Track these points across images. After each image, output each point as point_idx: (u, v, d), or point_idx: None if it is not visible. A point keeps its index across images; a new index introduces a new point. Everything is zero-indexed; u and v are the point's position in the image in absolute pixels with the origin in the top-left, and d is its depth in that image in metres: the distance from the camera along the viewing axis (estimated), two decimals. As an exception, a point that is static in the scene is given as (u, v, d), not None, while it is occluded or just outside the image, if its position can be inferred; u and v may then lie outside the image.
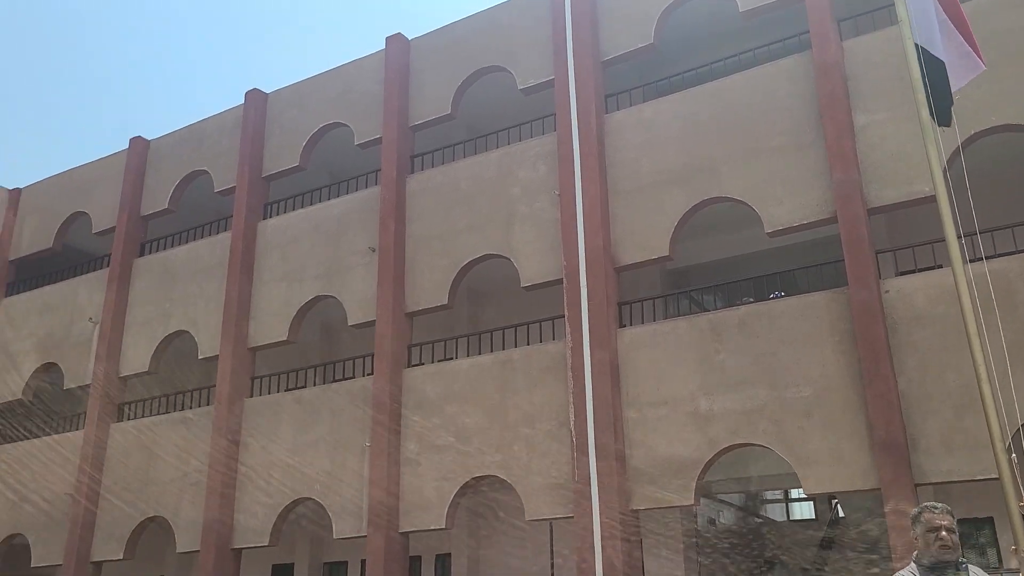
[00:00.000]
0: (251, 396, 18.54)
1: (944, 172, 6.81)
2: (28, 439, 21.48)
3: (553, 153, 16.30)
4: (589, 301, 14.90)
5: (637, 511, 13.94)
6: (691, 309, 16.58)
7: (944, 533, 4.20)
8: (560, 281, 15.40)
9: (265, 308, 18.80)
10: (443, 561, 18.11)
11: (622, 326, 14.99)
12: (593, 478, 13.88)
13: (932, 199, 7.46)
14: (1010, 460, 5.62)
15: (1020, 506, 4.98)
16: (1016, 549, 5.00)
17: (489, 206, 16.75)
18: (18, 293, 23.42)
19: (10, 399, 21.96)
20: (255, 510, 17.35)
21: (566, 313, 15.12)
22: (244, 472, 17.77)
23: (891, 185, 13.23)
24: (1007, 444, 6.14)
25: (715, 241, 16.88)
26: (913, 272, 13.24)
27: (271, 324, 18.58)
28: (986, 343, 6.27)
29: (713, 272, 17.65)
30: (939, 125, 6.98)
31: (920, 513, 4.36)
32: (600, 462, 13.91)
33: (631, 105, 16.22)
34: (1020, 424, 9.92)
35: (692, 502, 13.46)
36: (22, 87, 68.85)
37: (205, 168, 21.03)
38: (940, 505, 4.39)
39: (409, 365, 16.92)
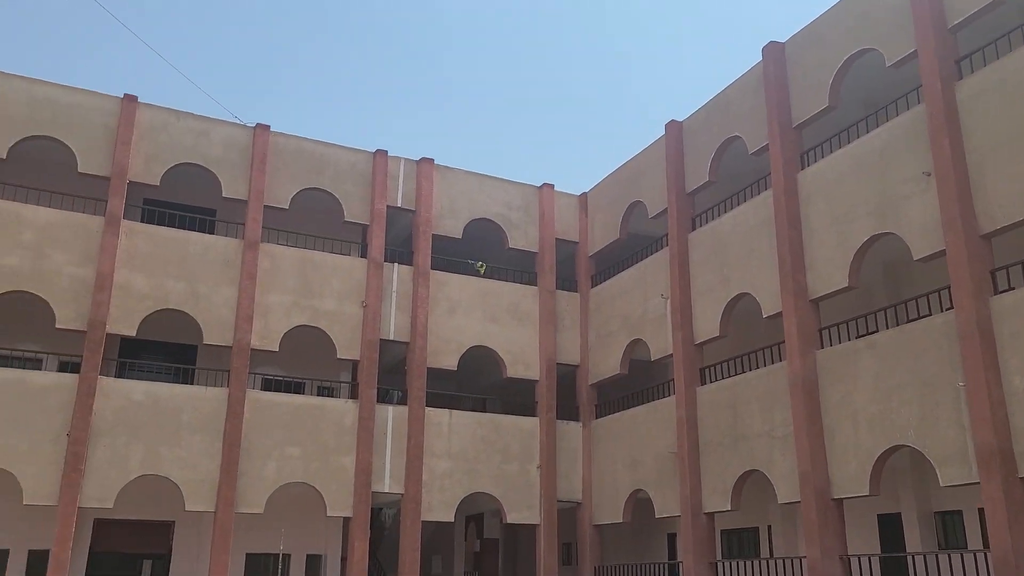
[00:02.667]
0: (821, 347, 18.44)
1: None
2: (632, 407, 24.57)
3: None
4: None
5: None
6: None
7: None
8: None
9: (819, 257, 18.55)
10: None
11: None
12: None
13: None
14: None
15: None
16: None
17: (1068, 91, 14.01)
18: (600, 283, 26.96)
19: (612, 374, 25.41)
20: (847, 460, 17.20)
21: None
22: (828, 423, 17.76)
23: None
24: None
25: None
26: None
27: (828, 272, 18.26)
28: None
29: None
30: None
31: None
32: None
33: None
34: None
35: None
36: (556, 98, 79.18)
37: (737, 134, 21.61)
38: None
39: (996, 292, 15.05)
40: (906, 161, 16.80)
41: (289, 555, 23.23)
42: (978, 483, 14.57)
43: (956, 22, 16.30)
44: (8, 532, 20.89)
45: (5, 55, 69.11)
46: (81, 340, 20.89)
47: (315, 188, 24.52)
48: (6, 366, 21.23)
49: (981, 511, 15.85)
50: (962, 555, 15.77)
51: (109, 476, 20.36)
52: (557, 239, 27.46)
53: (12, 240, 20.80)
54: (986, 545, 15.39)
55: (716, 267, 21.74)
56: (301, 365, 24.68)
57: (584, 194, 28.27)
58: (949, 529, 18.18)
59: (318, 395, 24.34)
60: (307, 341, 23.79)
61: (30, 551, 21.01)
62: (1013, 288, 14.97)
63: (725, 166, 22.55)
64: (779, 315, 19.32)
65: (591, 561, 25.03)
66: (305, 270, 23.76)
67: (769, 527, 22.03)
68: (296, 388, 24.43)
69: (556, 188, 27.82)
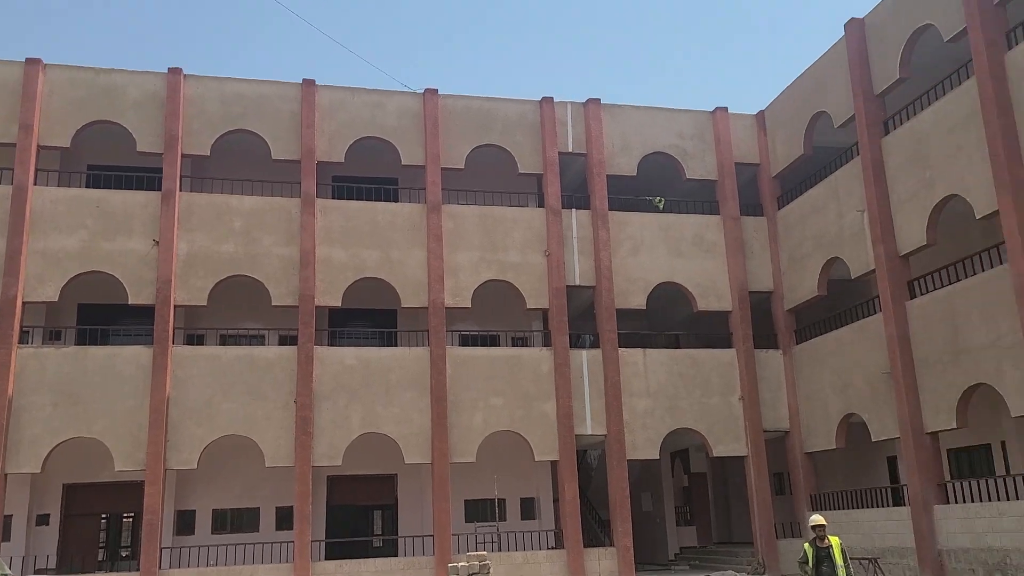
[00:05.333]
0: (1051, 244, 16.66)
1: None
2: (835, 329, 23.43)
3: None
4: None
5: None
6: None
7: None
8: None
9: (1040, 145, 16.65)
10: None
11: None
12: None
13: None
14: None
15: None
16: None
17: None
18: (787, 204, 25.71)
19: (809, 297, 24.31)
20: (1092, 364, 15.55)
21: None
22: (1066, 326, 16.09)
23: None
24: None
25: None
26: None
27: (1053, 160, 16.36)
28: None
29: None
30: None
31: None
32: None
33: None
34: None
35: None
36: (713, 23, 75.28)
37: (929, 21, 19.70)
38: None
39: None
40: None
41: (504, 499, 24.31)
42: None
43: None
44: (256, 492, 23.33)
45: (182, 57, 74.78)
46: (295, 314, 22.63)
47: (487, 144, 24.94)
48: (235, 344, 23.48)
49: None
50: None
51: (335, 436, 22.09)
52: (736, 163, 26.40)
53: (226, 229, 22.77)
54: None
55: (917, 171, 20.09)
56: (494, 319, 25.46)
57: (761, 112, 26.92)
58: None
59: (513, 346, 25.05)
60: (497, 295, 24.49)
61: (276, 508, 23.36)
62: None
63: (917, 59, 20.65)
64: (995, 214, 17.63)
65: (806, 489, 24.35)
66: (487, 226, 24.35)
67: (1003, 443, 20.43)
68: (492, 341, 25.28)
69: (730, 111, 26.66)
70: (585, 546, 23.25)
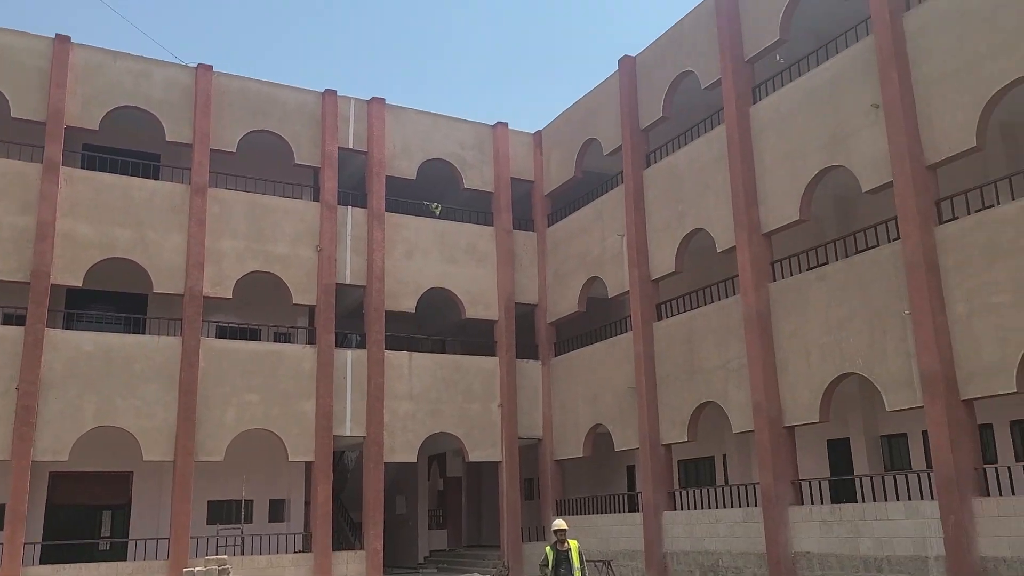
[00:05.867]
0: (774, 280, 18.72)
1: None
2: (590, 344, 24.83)
3: (1094, -71, 13.03)
4: None
5: None
6: None
7: None
8: None
9: (772, 191, 18.70)
10: (1020, 427, 16.28)
11: None
12: None
13: None
14: None
15: None
16: None
17: (1016, 18, 14.14)
18: (556, 222, 26.93)
19: (570, 312, 25.58)
20: (799, 389, 17.63)
21: None
22: (780, 354, 18.14)
23: None
24: None
25: None
26: None
27: (781, 206, 18.44)
28: None
29: None
30: None
31: None
32: None
33: None
34: None
35: None
36: (509, 37, 77.92)
37: (689, 68, 21.48)
38: None
39: (941, 222, 15.35)
40: (855, 94, 16.88)
41: (252, 501, 23.29)
42: (922, 407, 15.07)
43: (906, -50, 16.25)
44: (-38, 488, 20.62)
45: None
46: (25, 291, 20.35)
47: (263, 130, 23.92)
48: (-51, 320, 20.69)
49: (925, 433, 16.42)
50: (907, 476, 16.38)
51: (63, 428, 20.08)
52: (512, 178, 27.27)
53: (-54, 190, 20.03)
54: (929, 466, 15.98)
55: (671, 203, 21.81)
56: (256, 312, 24.41)
57: (539, 132, 28.02)
58: (895, 452, 18.83)
59: (275, 341, 24.14)
60: (261, 287, 23.51)
61: (-15, 506, 20.78)
62: (957, 218, 15.28)
63: (678, 101, 22.46)
64: (733, 249, 19.53)
65: (552, 495, 25.54)
66: (256, 214, 23.32)
67: (724, 456, 22.63)
68: (252, 335, 24.20)
69: (510, 127, 27.51)
70: (334, 549, 22.85)
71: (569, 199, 26.86)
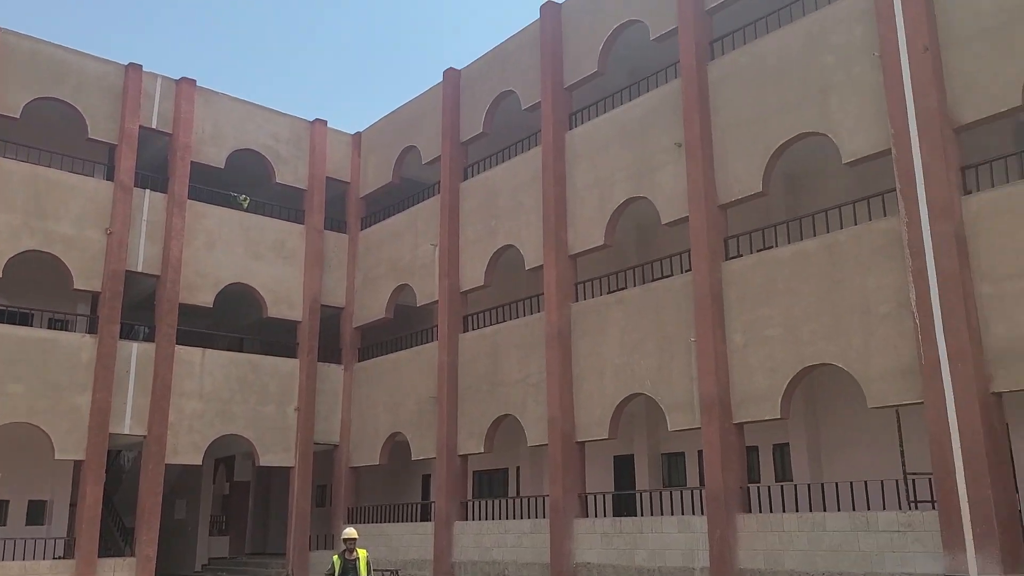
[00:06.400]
0: (576, 301, 19.50)
1: None
2: (396, 351, 24.68)
3: (869, 11, 14.73)
4: (925, 169, 13.49)
5: (1000, 394, 12.66)
6: (1056, 164, 14.27)
7: None
8: (888, 152, 14.10)
9: (581, 215, 19.49)
10: (781, 451, 17.94)
11: (967, 193, 13.40)
12: (944, 361, 12.80)
13: None
14: None
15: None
16: None
17: (800, 81, 15.67)
18: (370, 226, 26.62)
19: (377, 318, 25.31)
20: (592, 406, 18.45)
21: (898, 186, 13.85)
22: (577, 372, 18.91)
23: None
24: None
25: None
26: None
27: (588, 230, 19.26)
28: None
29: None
30: None
31: None
32: (951, 344, 12.77)
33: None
34: None
35: (1070, 382, 11.89)
36: (330, 35, 76.50)
37: (511, 88, 22.00)
38: None
39: (727, 258, 16.66)
40: (662, 131, 17.99)
41: (7, 501, 21.11)
42: (699, 428, 16.23)
43: (713, 5, 17.56)
44: None
45: None
46: None
47: (53, 98, 21.90)
48: None
49: (700, 453, 17.68)
50: (681, 492, 17.56)
51: None
52: (328, 177, 26.67)
53: None
54: (702, 483, 17.22)
55: (485, 218, 22.19)
56: (30, 294, 22.22)
57: (358, 133, 27.61)
58: (674, 469, 20.14)
59: (49, 328, 22.08)
60: (39, 268, 21.44)
61: None
62: (741, 255, 16.65)
63: (499, 119, 22.94)
64: (541, 268, 20.15)
65: (345, 502, 25.08)
66: (38, 189, 21.28)
67: (518, 468, 23.21)
68: (22, 319, 22.00)
69: (329, 125, 26.92)
70: (101, 556, 21.14)
71: (384, 204, 26.64)
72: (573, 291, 19.62)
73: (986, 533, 12.12)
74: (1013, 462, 13.33)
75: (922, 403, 13.17)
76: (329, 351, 25.90)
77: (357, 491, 25.67)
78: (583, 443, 18.80)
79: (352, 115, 75.69)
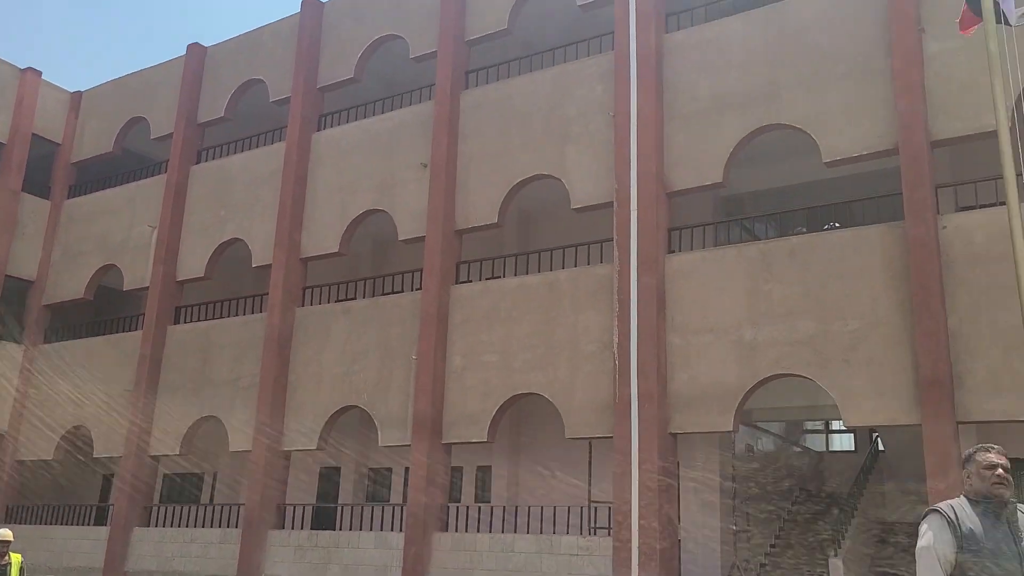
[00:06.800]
0: (302, 305, 19.00)
1: (1012, 107, 6.61)
2: (90, 337, 22.39)
3: (611, 73, 16.03)
4: (639, 225, 14.87)
5: (676, 434, 14.17)
6: (742, 237, 16.41)
7: (1001, 471, 4.22)
8: (611, 204, 15.36)
9: (318, 219, 19.08)
10: (484, 473, 18.65)
11: (671, 252, 14.96)
12: (634, 401, 14.10)
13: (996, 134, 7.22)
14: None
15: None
16: None
17: (543, 125, 16.63)
18: (80, 195, 24.04)
19: (73, 297, 22.83)
20: (304, 415, 17.99)
21: (615, 237, 15.12)
22: (293, 378, 18.38)
23: (957, 117, 12.82)
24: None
25: (770, 169, 16.56)
26: (974, 208, 12.90)
27: (323, 235, 18.89)
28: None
29: (766, 200, 17.40)
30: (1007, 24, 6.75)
31: (975, 452, 4.37)
32: (642, 385, 14.10)
33: (692, 25, 15.79)
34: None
35: (731, 428, 13.62)
36: (80, -10, 68.83)
37: (261, 77, 21.11)
38: (996, 446, 4.41)
39: (457, 282, 17.14)
40: (410, 149, 18.18)
41: None
42: (409, 445, 16.43)
43: (473, 37, 18.17)
44: None
45: None
46: None
47: None
48: None
49: (407, 470, 17.90)
50: (383, 507, 17.63)
51: None
52: (34, 135, 23.76)
53: None
54: (405, 500, 17.42)
55: (214, 207, 20.96)
56: None
57: (79, 93, 24.93)
58: (379, 484, 20.17)
59: None
60: None
61: None
62: (470, 281, 17.23)
63: (244, 106, 21.86)
64: (268, 267, 19.39)
65: (5, 499, 22.18)
66: None
67: (216, 474, 21.97)
68: None
69: (44, 77, 24.04)
70: None
71: (100, 174, 24.20)
72: (300, 295, 19.10)
73: (650, 558, 13.46)
74: (679, 496, 14.98)
75: (611, 437, 14.39)
76: (10, 329, 22.88)
77: (22, 488, 22.79)
78: (289, 452, 18.26)
79: (75, 73, 68.19)
